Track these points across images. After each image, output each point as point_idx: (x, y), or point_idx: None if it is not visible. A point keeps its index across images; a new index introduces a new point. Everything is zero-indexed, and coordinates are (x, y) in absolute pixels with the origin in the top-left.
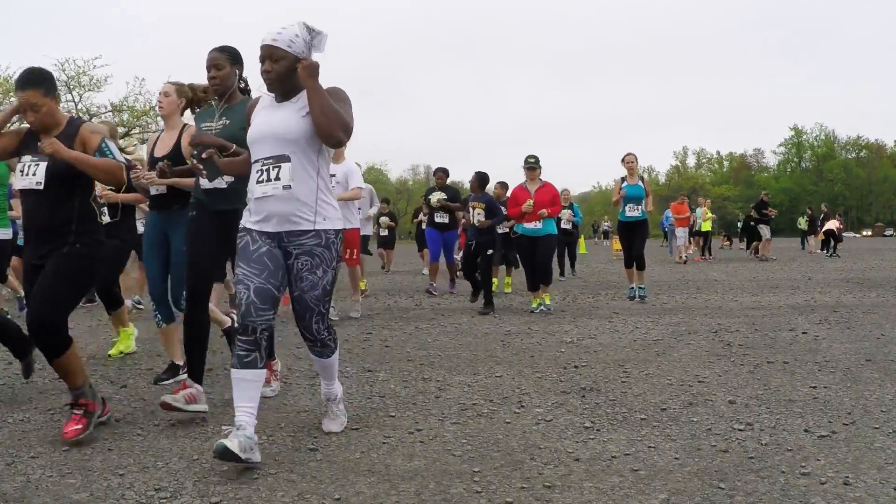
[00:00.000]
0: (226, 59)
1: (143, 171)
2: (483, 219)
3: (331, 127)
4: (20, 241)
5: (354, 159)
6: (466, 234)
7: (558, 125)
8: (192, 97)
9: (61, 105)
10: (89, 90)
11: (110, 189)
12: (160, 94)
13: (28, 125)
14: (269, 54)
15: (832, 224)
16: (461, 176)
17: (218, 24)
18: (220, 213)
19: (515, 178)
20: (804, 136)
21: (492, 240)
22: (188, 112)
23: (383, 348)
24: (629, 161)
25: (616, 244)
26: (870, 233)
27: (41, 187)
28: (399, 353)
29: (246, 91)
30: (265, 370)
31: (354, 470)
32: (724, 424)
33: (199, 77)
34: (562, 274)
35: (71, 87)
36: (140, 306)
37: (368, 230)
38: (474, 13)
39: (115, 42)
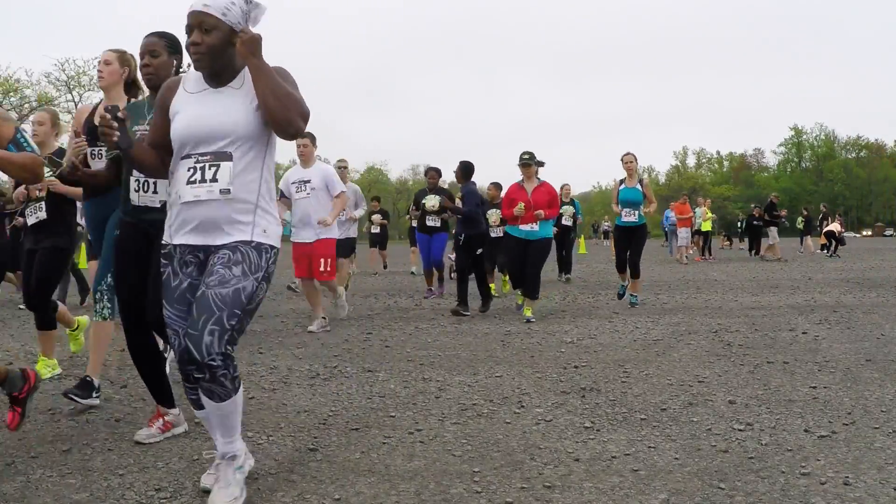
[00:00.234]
0: (163, 47)
1: (83, 141)
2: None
3: (287, 112)
4: None
5: (354, 160)
6: (455, 229)
7: (558, 125)
8: (134, 66)
9: (61, 105)
10: (89, 90)
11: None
12: (100, 62)
13: None
14: (199, 23)
15: (833, 226)
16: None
17: None
18: (151, 224)
19: (515, 178)
20: (804, 136)
21: (481, 234)
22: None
23: (383, 348)
24: (627, 161)
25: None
26: (870, 233)
27: None
28: (399, 353)
29: None
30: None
31: (354, 470)
32: (724, 424)
33: None
34: (560, 273)
35: (71, 87)
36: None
37: (353, 232)
38: (474, 13)
39: (116, 42)
